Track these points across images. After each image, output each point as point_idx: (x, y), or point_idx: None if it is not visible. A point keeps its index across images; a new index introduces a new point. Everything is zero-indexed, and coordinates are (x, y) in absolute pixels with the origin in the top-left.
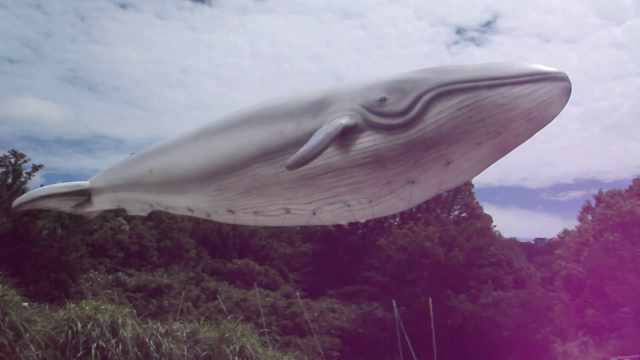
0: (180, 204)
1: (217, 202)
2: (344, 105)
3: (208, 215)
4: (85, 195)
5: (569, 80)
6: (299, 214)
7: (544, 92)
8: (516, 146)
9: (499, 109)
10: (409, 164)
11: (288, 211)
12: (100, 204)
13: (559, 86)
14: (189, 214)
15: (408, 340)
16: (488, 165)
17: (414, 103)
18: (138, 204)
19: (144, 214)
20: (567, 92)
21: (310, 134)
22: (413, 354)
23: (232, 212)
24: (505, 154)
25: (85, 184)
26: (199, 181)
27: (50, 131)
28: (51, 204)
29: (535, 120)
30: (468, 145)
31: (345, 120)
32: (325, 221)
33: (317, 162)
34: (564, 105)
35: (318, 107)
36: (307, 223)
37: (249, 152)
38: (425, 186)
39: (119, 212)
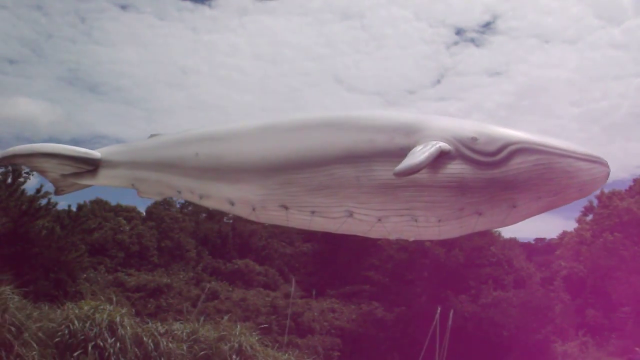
0: (222, 193)
1: (273, 197)
2: (437, 133)
3: (253, 210)
4: (91, 165)
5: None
6: (362, 219)
7: (596, 171)
8: (557, 207)
9: (565, 174)
10: (484, 197)
11: (351, 214)
12: (107, 179)
13: (606, 170)
14: (227, 207)
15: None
16: (531, 217)
17: (502, 149)
18: (161, 187)
19: (159, 198)
20: (607, 176)
21: (402, 149)
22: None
23: (285, 207)
24: (547, 211)
25: (95, 153)
26: (260, 172)
27: (44, 131)
28: (47, 165)
29: (583, 191)
30: (532, 196)
31: (444, 145)
32: (387, 230)
33: None
34: (602, 186)
35: (410, 128)
36: (364, 232)
37: (331, 152)
38: (486, 220)
39: (119, 212)
